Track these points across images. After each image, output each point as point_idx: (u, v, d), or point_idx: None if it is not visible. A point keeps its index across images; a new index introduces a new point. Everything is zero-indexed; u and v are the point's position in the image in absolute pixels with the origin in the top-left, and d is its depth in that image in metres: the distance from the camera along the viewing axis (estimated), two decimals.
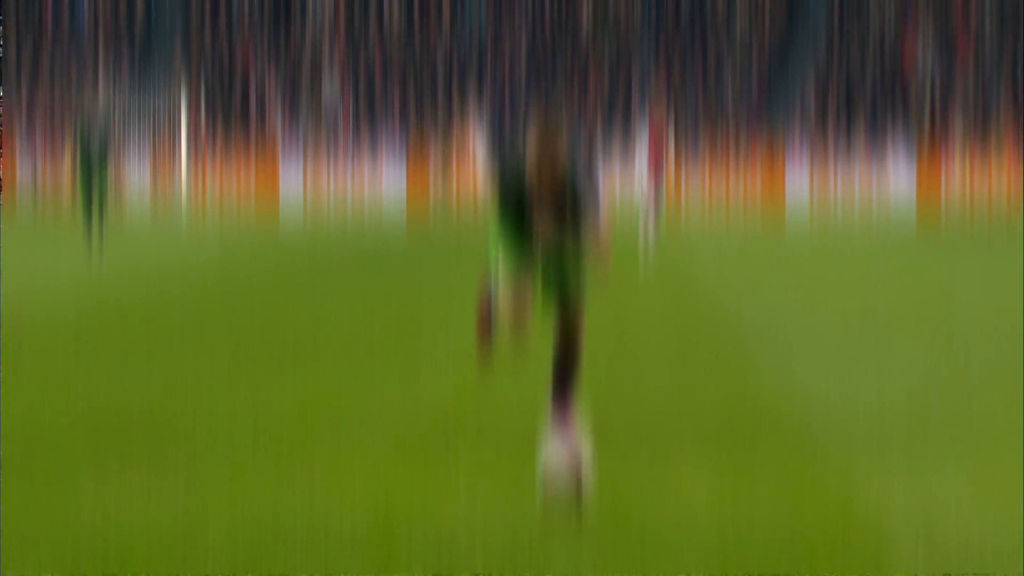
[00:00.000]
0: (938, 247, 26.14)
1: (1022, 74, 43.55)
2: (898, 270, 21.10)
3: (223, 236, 29.68)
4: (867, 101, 43.43)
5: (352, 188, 42.40)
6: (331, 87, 45.37)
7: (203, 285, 19.06)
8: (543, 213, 7.76)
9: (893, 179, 41.18)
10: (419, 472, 7.96)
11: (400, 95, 45.05)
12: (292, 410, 9.42)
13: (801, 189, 41.56)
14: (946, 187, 40.91)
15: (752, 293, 17.46)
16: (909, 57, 44.15)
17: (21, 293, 17.21)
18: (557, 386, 7.75)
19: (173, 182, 43.25)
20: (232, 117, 44.83)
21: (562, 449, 7.14)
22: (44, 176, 42.74)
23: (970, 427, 8.82)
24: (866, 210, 40.46)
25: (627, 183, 40.84)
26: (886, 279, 19.54)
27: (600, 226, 7.75)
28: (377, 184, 42.20)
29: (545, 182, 7.72)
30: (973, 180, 40.94)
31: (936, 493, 7.18)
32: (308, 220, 36.23)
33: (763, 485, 7.29)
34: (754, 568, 5.84)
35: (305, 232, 31.00)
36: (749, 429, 8.86)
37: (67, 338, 13.30)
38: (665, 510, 6.80)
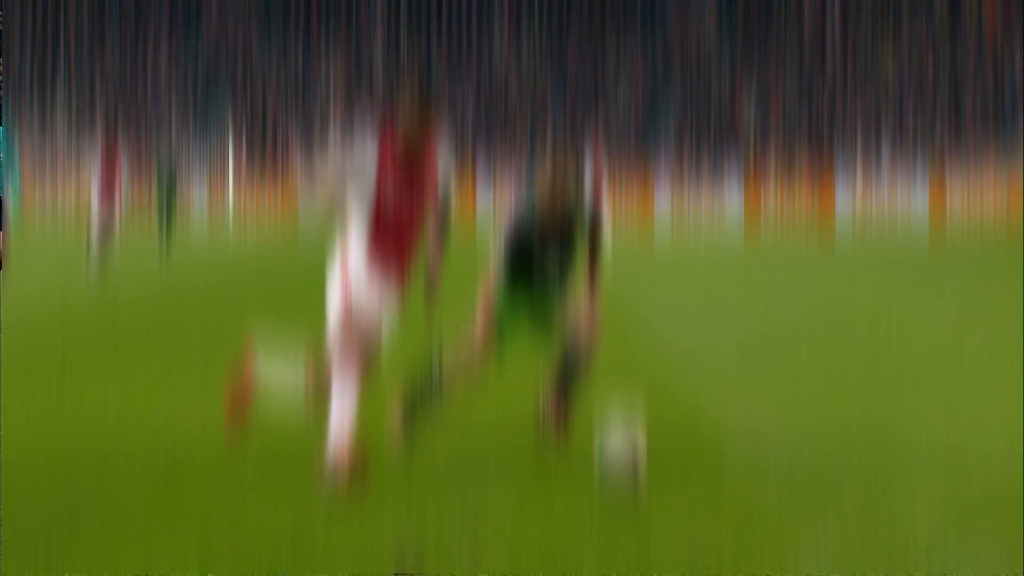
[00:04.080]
0: (759, 257, 24.46)
1: (816, 122, 44.27)
2: (730, 278, 18.86)
3: (260, 243, 28.79)
4: (710, 141, 43.62)
5: None
6: (335, 134, 45.28)
7: (245, 279, 18.27)
8: (550, 248, 6.41)
9: (728, 200, 40.79)
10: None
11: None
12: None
13: (665, 209, 40.58)
14: (764, 206, 40.44)
15: (663, 301, 15.09)
16: (739, 108, 44.90)
17: (120, 278, 16.42)
18: (560, 390, 6.51)
19: (224, 202, 42.71)
20: (265, 155, 44.58)
21: (622, 440, 5.79)
22: (133, 199, 41.65)
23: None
24: (708, 225, 39.22)
25: None
26: (721, 286, 17.39)
27: (598, 262, 6.44)
28: None
29: (556, 219, 6.38)
30: (783, 200, 40.53)
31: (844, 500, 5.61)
32: (320, 229, 35.17)
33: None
34: None
35: (317, 236, 29.83)
36: None
37: (147, 315, 12.55)
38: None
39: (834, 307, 14.32)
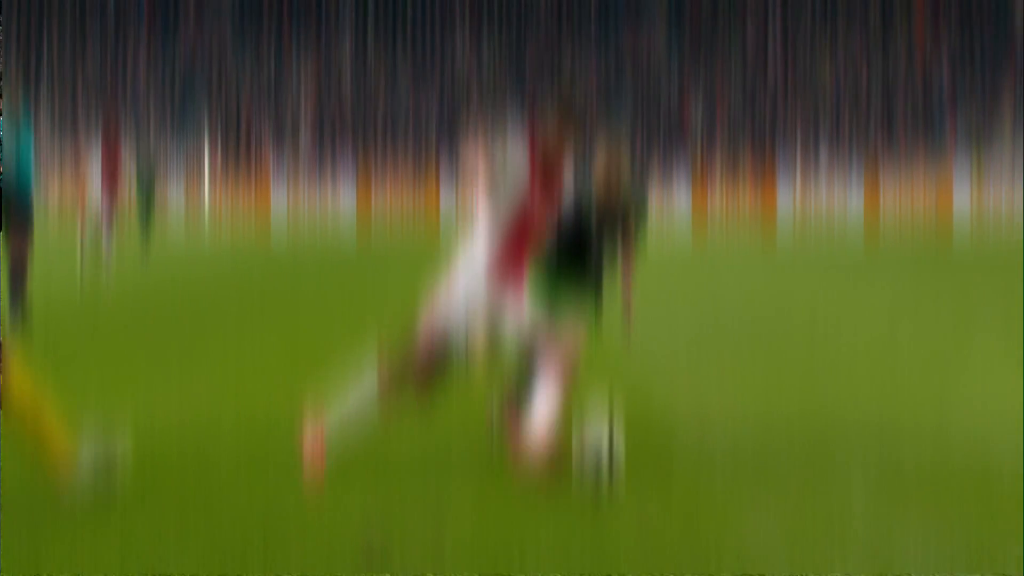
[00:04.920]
0: (706, 254, 24.32)
1: (759, 126, 44.38)
2: (678, 274, 18.68)
3: (233, 237, 28.77)
4: (660, 143, 43.88)
5: (318, 206, 41.55)
6: (305, 136, 45.37)
7: (219, 272, 18.26)
8: (604, 236, 6.06)
9: (676, 199, 41.02)
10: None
11: (352, 142, 45.31)
12: (278, 361, 8.55)
13: None
14: (710, 205, 40.72)
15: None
16: (687, 113, 45.14)
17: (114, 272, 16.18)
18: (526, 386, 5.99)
19: (199, 201, 42.56)
20: (239, 156, 44.39)
21: (598, 433, 5.57)
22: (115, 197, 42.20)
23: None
24: (658, 222, 39.13)
25: None
26: (670, 281, 17.17)
27: (633, 253, 6.09)
28: (336, 203, 41.75)
29: (611, 205, 6.04)
30: (728, 199, 40.82)
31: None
32: (290, 227, 35.15)
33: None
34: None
35: (287, 234, 29.74)
36: None
37: (127, 306, 12.06)
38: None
39: (776, 301, 14.38)
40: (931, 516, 5.15)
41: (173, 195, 42.55)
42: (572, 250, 6.13)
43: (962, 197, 40.22)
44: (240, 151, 44.43)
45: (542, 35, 46.79)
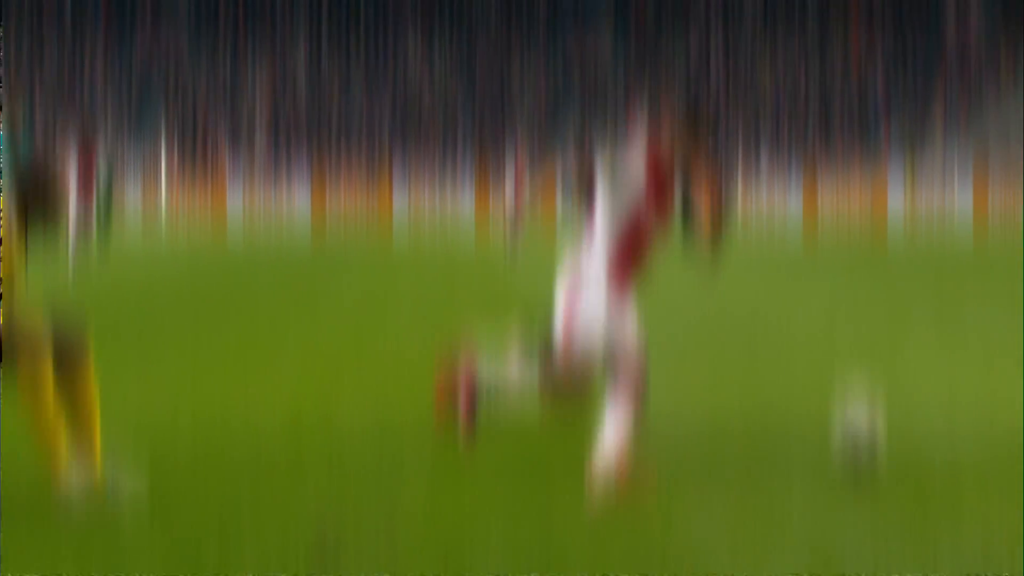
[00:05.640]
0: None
1: (713, 128, 44.95)
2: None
3: (189, 238, 28.56)
4: (607, 149, 44.13)
5: (273, 207, 41.34)
6: (261, 139, 45.29)
7: (176, 273, 18.17)
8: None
9: None
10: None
11: (307, 144, 45.30)
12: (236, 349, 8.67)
13: (567, 209, 40.25)
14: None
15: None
16: (632, 117, 44.80)
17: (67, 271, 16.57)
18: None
19: (156, 202, 42.27)
20: (195, 158, 44.14)
21: (862, 417, 5.56)
22: (90, 201, 41.79)
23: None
24: None
25: (500, 204, 39.63)
26: None
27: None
28: (291, 205, 41.45)
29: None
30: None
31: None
32: (246, 228, 35.17)
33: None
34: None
35: (243, 235, 29.60)
36: None
37: (84, 306, 11.80)
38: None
39: (719, 300, 14.38)
40: (871, 511, 5.11)
41: (130, 197, 42.40)
42: None
43: (896, 199, 40.72)
44: (196, 153, 44.30)
45: (492, 41, 47.08)
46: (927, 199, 41.04)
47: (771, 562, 4.43)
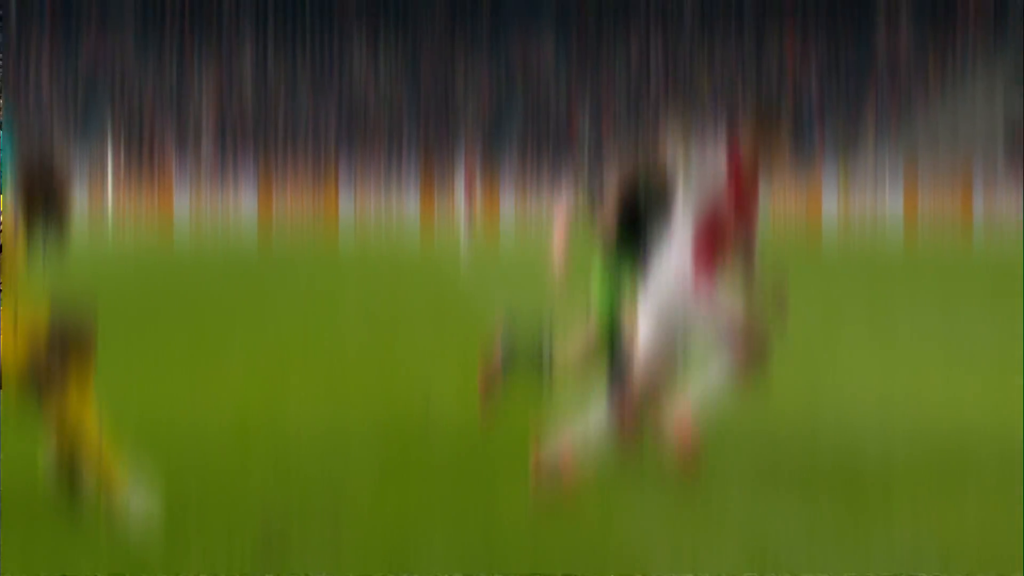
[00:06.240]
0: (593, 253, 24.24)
1: (642, 134, 44.78)
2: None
3: (136, 241, 28.48)
4: (549, 150, 43.92)
5: (220, 210, 41.00)
6: (207, 142, 45.02)
7: (123, 276, 18.26)
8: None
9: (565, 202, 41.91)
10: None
11: (253, 147, 45.01)
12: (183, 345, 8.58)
13: (510, 211, 40.15)
14: None
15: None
16: (574, 121, 45.40)
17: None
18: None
19: (103, 204, 41.87)
20: (142, 161, 43.83)
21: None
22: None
23: None
24: (548, 225, 38.46)
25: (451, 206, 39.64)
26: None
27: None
28: (238, 208, 41.11)
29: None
30: None
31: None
32: (193, 230, 35.13)
33: None
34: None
35: (190, 237, 29.62)
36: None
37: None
38: None
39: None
40: (805, 509, 5.10)
41: (77, 199, 41.54)
42: (627, 243, 5.94)
43: (830, 202, 41.06)
44: (143, 156, 43.92)
45: (436, 45, 47.03)
46: (859, 202, 41.46)
47: (706, 560, 4.44)
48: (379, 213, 41.07)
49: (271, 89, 46.27)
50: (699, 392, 5.50)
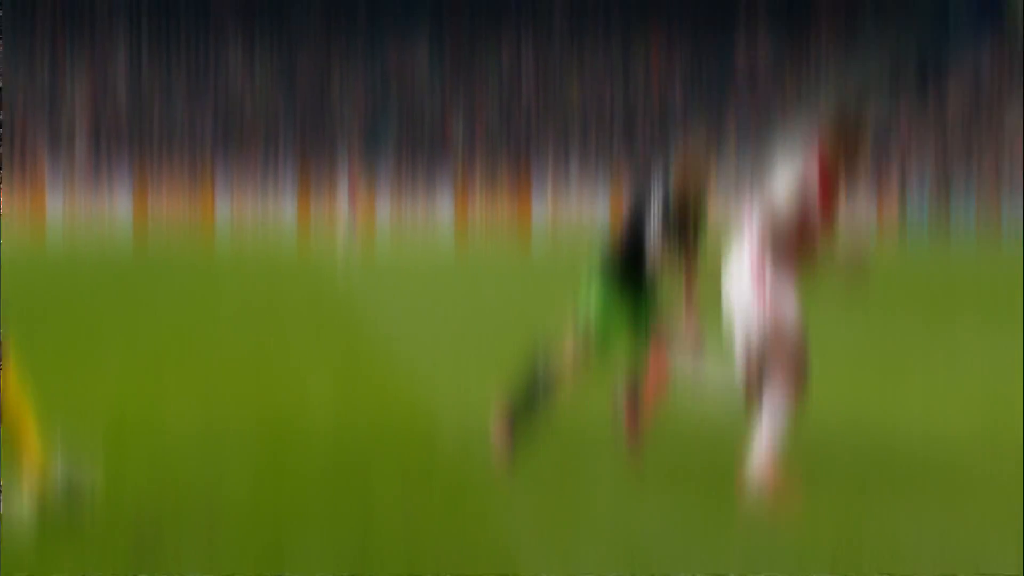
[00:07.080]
0: (468, 259, 23.78)
1: (514, 141, 45.25)
2: (442, 279, 17.91)
3: (7, 243, 27.68)
4: (424, 156, 43.45)
5: (94, 213, 40.19)
6: (81, 145, 44.14)
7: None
8: (677, 238, 5.71)
9: (439, 208, 40.68)
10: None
11: (128, 150, 44.12)
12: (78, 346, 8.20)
13: (385, 216, 40.05)
14: (471, 213, 40.58)
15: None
16: (448, 128, 44.98)
17: None
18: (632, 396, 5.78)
19: None
20: (13, 164, 42.47)
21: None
22: None
23: None
24: (424, 230, 39.15)
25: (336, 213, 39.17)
26: (435, 286, 16.66)
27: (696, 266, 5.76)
28: (113, 211, 40.40)
29: (687, 213, 5.73)
30: (487, 208, 40.79)
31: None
32: (66, 233, 34.46)
33: None
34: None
35: (64, 240, 29.30)
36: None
37: None
38: None
39: (532, 303, 14.46)
40: (674, 507, 5.14)
41: None
42: (631, 261, 5.78)
43: None
44: (14, 159, 42.56)
45: (312, 51, 46.71)
46: (722, 207, 42.22)
47: (581, 560, 4.43)
48: (255, 216, 40.56)
49: (146, 91, 45.45)
50: (769, 432, 5.37)
